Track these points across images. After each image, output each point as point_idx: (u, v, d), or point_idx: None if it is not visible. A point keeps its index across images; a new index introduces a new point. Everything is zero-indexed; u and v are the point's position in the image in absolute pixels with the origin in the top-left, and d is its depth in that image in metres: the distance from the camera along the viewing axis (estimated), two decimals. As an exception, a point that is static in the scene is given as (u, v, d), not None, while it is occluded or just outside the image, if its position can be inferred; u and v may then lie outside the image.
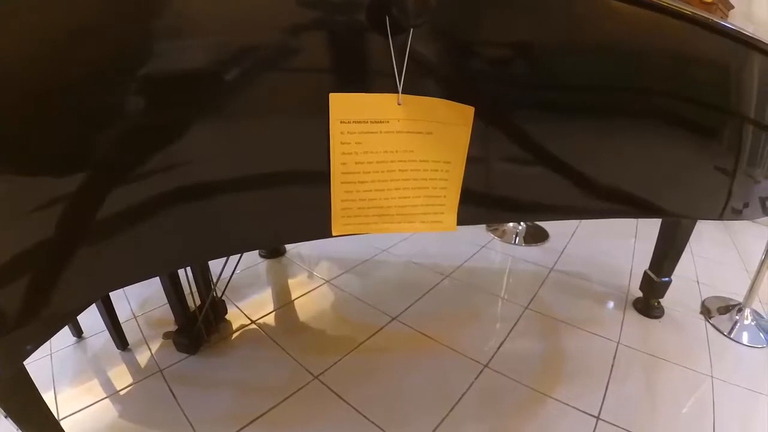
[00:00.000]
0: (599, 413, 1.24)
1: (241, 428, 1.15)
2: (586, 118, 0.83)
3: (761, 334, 1.61)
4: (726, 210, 1.11)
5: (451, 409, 1.24)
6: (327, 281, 1.89)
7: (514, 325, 1.63)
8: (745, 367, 1.46)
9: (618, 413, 1.24)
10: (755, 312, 1.70)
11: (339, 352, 1.44)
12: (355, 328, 1.57)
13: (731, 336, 1.60)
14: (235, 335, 1.53)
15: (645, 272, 1.77)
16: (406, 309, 1.69)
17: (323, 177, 0.67)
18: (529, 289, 1.88)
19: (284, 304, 1.73)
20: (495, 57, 0.71)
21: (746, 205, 1.17)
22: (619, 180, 0.92)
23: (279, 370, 1.36)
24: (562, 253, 2.28)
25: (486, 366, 1.41)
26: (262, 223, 0.72)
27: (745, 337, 1.59)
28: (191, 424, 1.16)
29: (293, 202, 0.71)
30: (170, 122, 0.58)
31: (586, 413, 1.24)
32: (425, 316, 1.65)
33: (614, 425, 1.20)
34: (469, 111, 0.69)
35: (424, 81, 0.67)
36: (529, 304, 1.77)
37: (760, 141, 1.05)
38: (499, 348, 1.50)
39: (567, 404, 1.27)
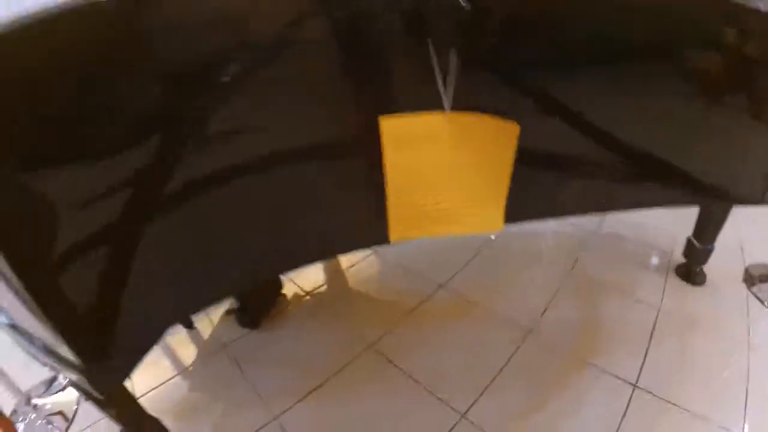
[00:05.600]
0: (636, 381, 1.34)
1: (303, 397, 1.31)
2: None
3: (803, 303, 1.63)
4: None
5: (497, 375, 1.37)
6: (374, 250, 2.00)
7: (557, 290, 1.72)
8: (783, 338, 1.51)
9: (654, 381, 1.34)
10: (800, 281, 1.72)
11: (390, 321, 1.58)
12: (405, 295, 1.70)
13: (772, 306, 1.64)
14: (291, 308, 1.67)
15: (688, 239, 1.80)
16: (452, 276, 1.80)
17: (380, 190, 0.75)
18: (571, 253, 1.95)
19: (335, 275, 1.87)
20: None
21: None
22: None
23: (335, 340, 1.51)
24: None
25: (530, 332, 1.52)
26: (330, 236, 0.82)
27: (786, 308, 1.63)
28: (260, 396, 1.33)
29: (353, 215, 0.80)
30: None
31: (625, 380, 1.35)
32: (470, 282, 1.75)
33: (650, 392, 1.30)
34: (514, 127, 0.74)
35: (470, 96, 0.71)
36: (573, 267, 1.84)
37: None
38: (543, 313, 1.60)
39: (605, 370, 1.38)
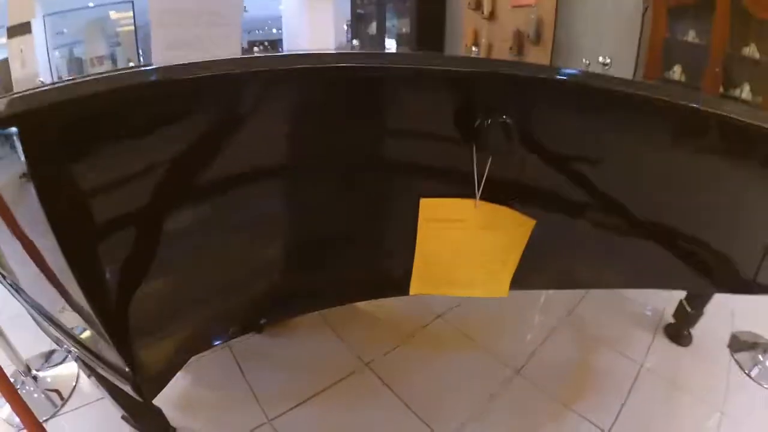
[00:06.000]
0: (610, 429, 1.42)
1: (298, 404, 1.41)
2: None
3: (784, 376, 1.70)
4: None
5: (481, 410, 1.46)
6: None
7: (549, 335, 1.81)
8: (756, 408, 1.58)
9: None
10: (782, 353, 1.79)
11: (388, 343, 1.68)
12: (404, 321, 1.80)
13: (752, 375, 1.71)
14: (296, 318, 1.79)
15: (680, 301, 1.88)
16: (451, 308, 1.90)
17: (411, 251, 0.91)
18: (569, 302, 2.04)
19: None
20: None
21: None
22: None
23: (334, 353, 1.61)
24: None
25: (518, 372, 1.61)
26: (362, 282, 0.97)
27: (764, 378, 1.70)
28: (256, 397, 1.43)
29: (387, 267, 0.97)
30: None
31: (597, 427, 1.43)
32: (468, 317, 1.86)
33: (622, 441, 1.39)
34: (529, 222, 0.90)
35: (497, 190, 0.87)
36: (569, 315, 1.93)
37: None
38: (531, 354, 1.69)
39: (582, 416, 1.46)
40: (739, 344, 1.87)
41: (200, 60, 0.65)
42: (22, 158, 0.57)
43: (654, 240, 1.08)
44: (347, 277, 0.98)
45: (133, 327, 0.75)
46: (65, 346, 0.94)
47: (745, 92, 2.89)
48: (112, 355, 0.77)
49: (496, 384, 1.55)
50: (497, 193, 0.87)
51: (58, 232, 0.62)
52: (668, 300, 2.15)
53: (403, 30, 4.91)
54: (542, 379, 1.59)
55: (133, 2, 9.00)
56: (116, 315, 0.73)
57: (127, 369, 0.76)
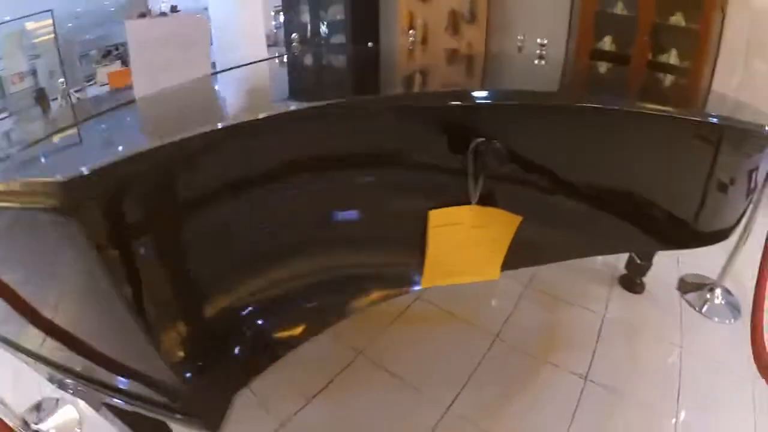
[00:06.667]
0: (586, 374, 1.57)
1: (306, 404, 1.47)
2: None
3: (729, 311, 1.91)
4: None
5: (471, 374, 1.57)
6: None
7: (518, 300, 1.95)
8: (711, 340, 1.78)
9: (602, 375, 1.57)
10: (726, 290, 1.99)
11: (376, 329, 1.76)
12: (386, 306, 1.88)
13: (702, 312, 1.91)
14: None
15: (629, 255, 2.06)
16: (427, 290, 1.99)
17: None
18: (530, 269, 2.17)
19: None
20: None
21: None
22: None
23: (328, 349, 1.67)
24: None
25: (497, 336, 1.74)
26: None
27: (714, 313, 1.90)
28: (255, 394, 1.46)
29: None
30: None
31: (576, 374, 1.57)
32: (443, 295, 1.95)
33: (598, 384, 1.53)
34: (516, 218, 1.10)
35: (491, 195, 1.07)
36: (530, 280, 2.08)
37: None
38: (506, 320, 1.82)
39: (559, 366, 1.60)
40: (687, 286, 2.07)
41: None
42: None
43: (608, 213, 1.27)
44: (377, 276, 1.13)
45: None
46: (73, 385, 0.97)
47: (673, 57, 3.12)
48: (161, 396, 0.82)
49: (480, 350, 1.67)
50: (485, 196, 1.06)
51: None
52: (618, 255, 2.34)
53: (338, 17, 4.89)
54: (519, 341, 1.72)
55: (52, 10, 8.43)
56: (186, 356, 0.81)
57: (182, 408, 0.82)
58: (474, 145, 0.98)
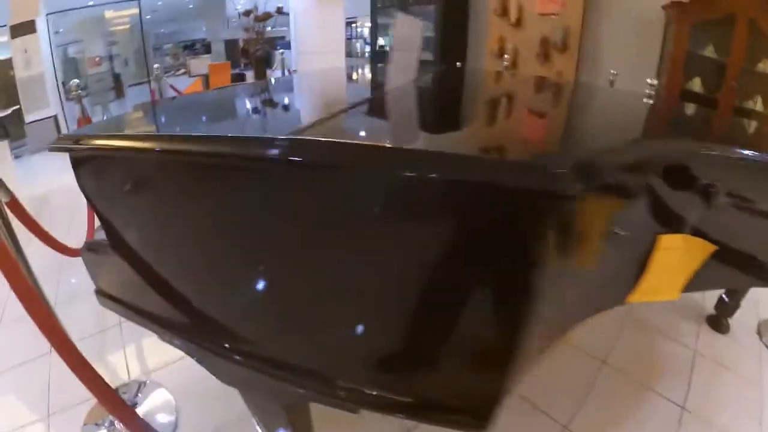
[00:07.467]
0: (684, 404, 1.89)
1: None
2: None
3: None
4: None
5: (589, 392, 1.91)
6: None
7: (622, 329, 2.27)
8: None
9: (697, 404, 1.88)
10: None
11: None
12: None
13: (780, 356, 2.20)
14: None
15: (720, 296, 2.35)
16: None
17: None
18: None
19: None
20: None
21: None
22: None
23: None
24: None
25: (604, 362, 2.07)
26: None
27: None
28: None
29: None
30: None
31: (674, 402, 1.89)
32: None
33: (693, 413, 1.85)
34: (710, 246, 1.30)
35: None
36: (630, 311, 2.39)
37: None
38: (612, 348, 2.15)
39: (661, 395, 1.93)
40: (766, 330, 2.35)
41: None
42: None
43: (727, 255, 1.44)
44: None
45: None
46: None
47: (758, 104, 3.32)
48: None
49: (591, 374, 2.01)
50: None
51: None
52: (704, 296, 2.62)
53: (426, 34, 5.13)
54: (623, 367, 2.05)
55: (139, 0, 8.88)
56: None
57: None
58: (701, 185, 1.16)
